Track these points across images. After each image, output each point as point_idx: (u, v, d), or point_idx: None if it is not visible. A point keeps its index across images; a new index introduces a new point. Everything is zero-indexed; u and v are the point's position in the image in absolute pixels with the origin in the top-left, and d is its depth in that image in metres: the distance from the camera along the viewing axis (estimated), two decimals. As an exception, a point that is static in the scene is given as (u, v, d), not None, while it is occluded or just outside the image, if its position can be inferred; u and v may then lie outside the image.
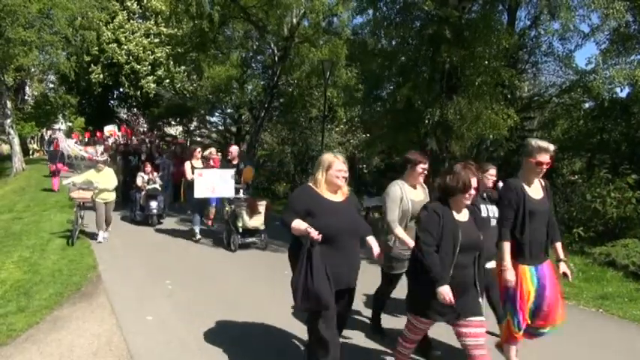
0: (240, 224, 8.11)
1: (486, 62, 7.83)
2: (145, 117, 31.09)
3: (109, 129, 25.32)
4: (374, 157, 18.56)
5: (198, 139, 28.06)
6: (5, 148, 28.27)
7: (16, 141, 23.26)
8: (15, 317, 4.86)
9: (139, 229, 10.15)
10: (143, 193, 10.49)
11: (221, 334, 4.70)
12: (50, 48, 22.67)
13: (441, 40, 7.66)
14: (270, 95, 20.43)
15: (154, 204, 10.23)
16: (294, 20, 19.14)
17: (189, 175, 9.10)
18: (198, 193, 8.41)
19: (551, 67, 19.77)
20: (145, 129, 28.99)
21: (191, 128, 30.07)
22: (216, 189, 8.38)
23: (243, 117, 25.24)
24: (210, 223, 10.25)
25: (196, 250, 8.53)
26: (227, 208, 8.53)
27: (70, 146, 20.62)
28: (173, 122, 31.53)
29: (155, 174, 11.07)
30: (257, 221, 8.25)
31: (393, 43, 9.06)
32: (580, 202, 10.40)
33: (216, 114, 28.18)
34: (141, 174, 10.89)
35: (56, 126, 45.03)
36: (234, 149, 9.90)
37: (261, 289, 6.21)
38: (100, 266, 7.01)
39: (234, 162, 9.48)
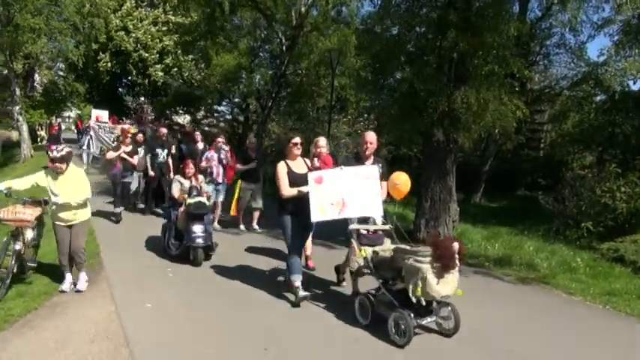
0: (418, 291, 4.15)
1: (495, 51, 7.64)
2: (153, 105, 31.05)
3: (98, 113, 20.94)
4: (382, 148, 18.44)
5: (206, 128, 28.00)
6: (14, 134, 28.36)
7: (24, 128, 23.38)
8: (14, 302, 4.85)
9: (146, 217, 9.94)
10: (181, 210, 6.96)
11: (219, 323, 4.66)
12: (58, 35, 22.65)
13: (447, 25, 7.49)
14: (277, 85, 20.28)
15: (198, 229, 6.61)
16: (303, 9, 18.94)
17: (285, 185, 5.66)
18: (317, 213, 4.88)
19: (563, 59, 19.57)
20: (152, 117, 28.94)
21: (199, 117, 30.00)
22: (351, 205, 4.91)
23: (250, 106, 25.16)
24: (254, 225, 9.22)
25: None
26: (365, 253, 4.77)
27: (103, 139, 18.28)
28: (181, 111, 31.48)
29: (201, 178, 7.69)
30: (450, 284, 4.25)
31: (400, 30, 8.87)
32: (589, 196, 10.24)
33: (224, 103, 28.12)
34: (178, 179, 7.43)
35: (65, 114, 45.23)
36: (254, 140, 9.46)
37: (262, 280, 6.16)
38: (102, 253, 6.99)
39: (254, 155, 9.14)
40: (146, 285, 5.73)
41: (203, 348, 4.09)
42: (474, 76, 7.95)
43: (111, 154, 9.46)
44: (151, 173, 9.97)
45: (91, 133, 18.09)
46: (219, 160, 9.18)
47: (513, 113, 8.17)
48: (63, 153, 5.25)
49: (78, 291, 5.36)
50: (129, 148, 9.47)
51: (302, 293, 5.12)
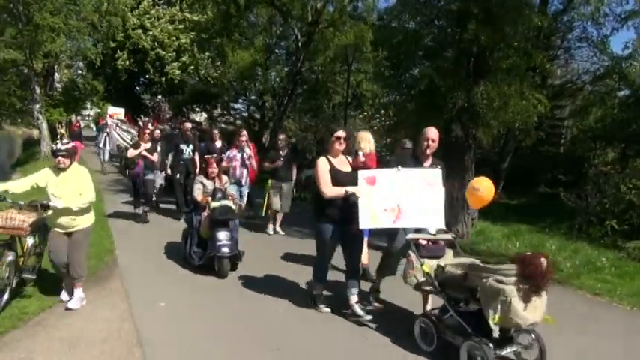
0: (499, 318, 3.47)
1: (517, 44, 7.42)
2: (170, 103, 31.25)
3: (114, 111, 20.61)
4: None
5: (222, 125, 28.08)
6: (35, 133, 28.78)
7: (44, 126, 23.69)
8: (28, 300, 4.82)
9: (162, 213, 9.88)
10: (205, 215, 6.27)
11: (233, 322, 4.58)
12: (77, 34, 22.87)
13: (467, 17, 7.28)
14: (293, 81, 20.23)
15: (224, 237, 5.96)
16: (319, 5, 18.84)
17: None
18: (367, 219, 4.26)
19: (585, 53, 19.04)
20: (170, 115, 29.14)
21: (215, 115, 30.11)
22: (409, 214, 4.25)
23: (266, 104, 25.15)
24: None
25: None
26: (427, 268, 4.10)
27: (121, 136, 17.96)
28: (197, 109, 31.62)
29: (225, 179, 7.08)
30: (538, 309, 3.58)
31: (418, 24, 8.69)
32: (613, 193, 9.94)
33: (240, 100, 28.19)
34: (201, 180, 6.75)
35: (85, 112, 45.82)
36: (283, 137, 9.08)
37: (279, 280, 6.06)
38: (117, 250, 6.99)
39: (283, 152, 8.67)
40: (160, 282, 5.70)
41: (215, 348, 4.02)
42: (495, 70, 7.74)
43: (131, 153, 9.14)
44: (168, 172, 9.61)
45: (108, 130, 17.39)
46: (242, 160, 8.53)
47: (535, 108, 7.95)
48: (68, 146, 4.72)
49: (69, 309, 4.64)
50: (148, 145, 9.14)
51: (365, 316, 4.59)
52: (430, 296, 4.51)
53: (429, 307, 4.53)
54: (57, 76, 31.94)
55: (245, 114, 29.06)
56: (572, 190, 11.22)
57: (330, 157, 4.70)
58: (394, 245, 4.77)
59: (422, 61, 9.07)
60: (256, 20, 22.90)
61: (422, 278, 4.19)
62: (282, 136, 9.18)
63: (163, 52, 29.97)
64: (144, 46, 29.53)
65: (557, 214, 11.29)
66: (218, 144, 9.93)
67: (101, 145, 17.23)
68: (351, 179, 4.46)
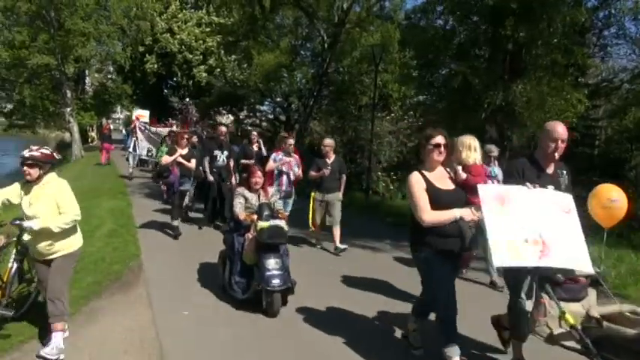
0: None
1: (556, 40, 7.05)
2: (197, 106, 31.52)
3: (140, 113, 20.46)
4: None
5: (249, 127, 28.13)
6: (67, 136, 29.45)
7: (75, 129, 24.22)
8: (52, 307, 4.73)
9: (191, 220, 9.46)
10: (249, 237, 5.08)
11: (264, 340, 4.36)
12: (106, 39, 23.30)
13: (504, 13, 6.93)
14: (319, 83, 20.06)
15: (274, 265, 4.82)
16: (345, 5, 18.64)
17: None
18: (503, 253, 3.06)
19: (622, 51, 18.32)
20: (197, 118, 29.36)
21: (241, 117, 30.21)
22: (555, 249, 3.12)
23: (292, 105, 25.06)
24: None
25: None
26: (573, 320, 2.97)
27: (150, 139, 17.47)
28: (224, 111, 31.78)
29: (272, 191, 5.98)
30: None
31: (449, 22, 8.38)
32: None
33: (266, 102, 28.18)
34: (242, 193, 5.40)
35: (115, 115, 46.72)
36: (330, 142, 7.63)
37: (305, 291, 5.77)
38: (143, 255, 6.89)
39: (330, 160, 7.49)
40: (185, 289, 5.53)
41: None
42: (532, 67, 7.38)
43: (166, 159, 8.11)
44: (210, 178, 8.55)
45: (138, 134, 16.83)
46: (288, 166, 7.59)
47: (574, 107, 7.56)
48: (35, 153, 3.73)
49: (40, 357, 3.63)
50: (185, 151, 8.20)
51: None
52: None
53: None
54: (88, 80, 32.64)
55: (271, 116, 29.05)
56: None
57: (425, 171, 3.62)
58: (510, 279, 3.62)
59: (453, 60, 8.76)
60: (282, 22, 22.87)
61: (559, 329, 2.99)
62: (328, 141, 7.69)
63: (190, 55, 30.27)
64: (171, 49, 29.89)
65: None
66: (255, 147, 9.16)
67: (130, 149, 16.73)
68: (456, 199, 3.53)
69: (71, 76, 25.20)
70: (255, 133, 9.45)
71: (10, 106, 27.58)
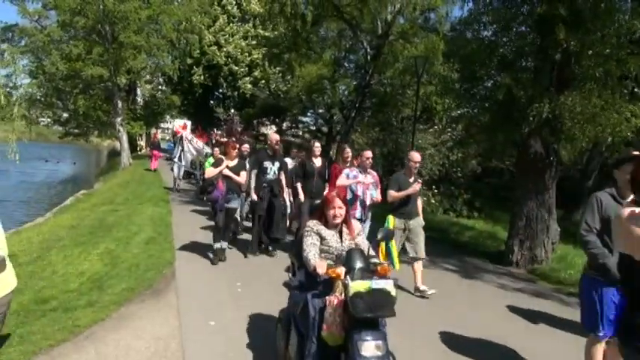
0: None
1: (608, 50, 6.64)
2: (241, 117, 32.10)
3: (181, 123, 19.96)
4: (470, 160, 17.35)
5: (291, 138, 28.36)
6: (118, 144, 30.64)
7: (124, 138, 25.10)
8: (83, 312, 4.81)
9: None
10: (333, 301, 3.11)
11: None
12: (157, 51, 24.12)
13: (554, 22, 6.58)
14: (361, 95, 19.98)
15: (372, 351, 2.92)
16: (389, 17, 18.54)
17: None
18: None
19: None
20: (241, 128, 29.88)
21: (284, 128, 30.53)
22: None
23: (334, 117, 25.10)
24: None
25: (284, 258, 6.73)
26: None
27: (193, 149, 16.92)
28: (267, 122, 32.24)
29: (358, 226, 3.81)
30: None
31: (494, 32, 8.09)
32: None
33: (309, 114, 28.38)
34: (315, 228, 3.55)
35: (164, 125, 48.26)
36: (418, 157, 6.10)
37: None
38: (176, 262, 6.94)
39: (412, 178, 6.05)
40: (213, 298, 5.50)
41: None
42: (582, 78, 6.99)
43: (210, 172, 7.02)
44: (254, 197, 7.47)
45: (184, 144, 16.09)
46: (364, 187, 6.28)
47: (628, 121, 7.09)
48: None
49: None
50: (234, 163, 7.11)
51: None
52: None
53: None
54: (138, 91, 33.88)
55: (313, 127, 29.21)
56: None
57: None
58: None
59: (497, 71, 8.46)
60: (326, 34, 23.00)
61: None
62: (415, 155, 6.11)
63: (236, 68, 30.93)
64: (218, 61, 30.63)
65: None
66: (317, 162, 7.64)
67: (176, 160, 16.12)
68: None
69: (123, 87, 26.23)
70: (317, 143, 7.90)
71: (65, 116, 28.92)
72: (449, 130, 16.69)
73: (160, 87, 35.49)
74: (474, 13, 8.71)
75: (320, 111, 25.98)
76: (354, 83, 22.09)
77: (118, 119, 24.65)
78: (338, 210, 3.53)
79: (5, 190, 21.94)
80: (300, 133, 29.55)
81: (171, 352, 4.08)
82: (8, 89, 23.83)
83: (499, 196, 16.48)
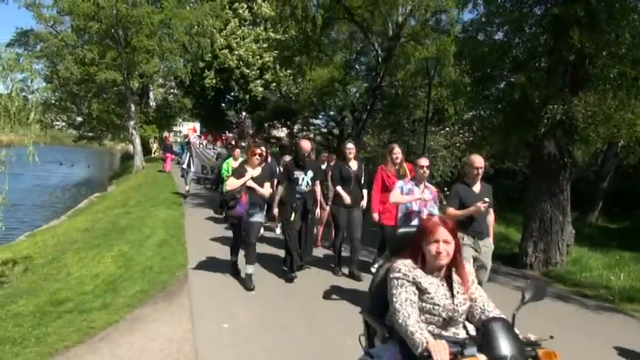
0: None
1: (623, 50, 6.56)
2: (252, 120, 32.24)
3: (190, 126, 19.47)
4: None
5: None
6: (131, 148, 30.94)
7: (137, 141, 25.33)
8: (97, 314, 4.86)
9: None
10: None
11: (292, 349, 4.27)
12: (169, 55, 24.32)
13: (568, 23, 6.51)
14: (373, 97, 19.95)
15: None
16: (400, 19, 18.52)
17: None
18: None
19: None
20: (252, 131, 30.00)
21: (295, 130, 30.60)
22: None
23: (346, 119, 25.09)
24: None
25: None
26: None
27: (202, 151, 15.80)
28: (278, 125, 32.33)
29: (468, 268, 2.49)
30: None
31: (506, 33, 8.03)
32: None
33: (320, 116, 28.40)
34: (407, 275, 2.29)
35: (176, 128, 48.63)
36: (482, 162, 4.94)
37: (347, 310, 5.52)
38: (189, 265, 6.96)
39: (478, 189, 4.95)
40: (227, 300, 5.51)
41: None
42: (596, 79, 6.91)
43: (233, 183, 5.86)
44: (275, 211, 6.84)
45: (193, 150, 15.62)
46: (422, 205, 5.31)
47: (643, 122, 7.00)
48: None
49: None
50: (257, 172, 5.99)
51: None
52: None
53: None
54: (151, 94, 34.20)
55: (324, 129, 29.23)
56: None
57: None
58: None
59: (510, 72, 8.40)
60: (337, 37, 23.01)
61: None
62: (478, 159, 4.93)
63: (247, 71, 31.12)
64: (230, 64, 30.84)
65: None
66: (354, 165, 6.71)
67: (184, 166, 14.88)
68: None
69: (135, 91, 26.50)
70: (350, 144, 6.87)
71: (79, 119, 29.28)
72: (461, 131, 16.60)
73: (172, 90, 35.80)
74: (481, 20, 8.67)
75: (331, 113, 25.98)
76: (365, 85, 22.07)
77: (131, 123, 24.88)
78: (443, 246, 2.30)
79: (20, 193, 22.25)
80: (312, 136, 29.57)
81: (185, 355, 4.10)
82: (24, 94, 24.18)
83: (512, 198, 16.33)
